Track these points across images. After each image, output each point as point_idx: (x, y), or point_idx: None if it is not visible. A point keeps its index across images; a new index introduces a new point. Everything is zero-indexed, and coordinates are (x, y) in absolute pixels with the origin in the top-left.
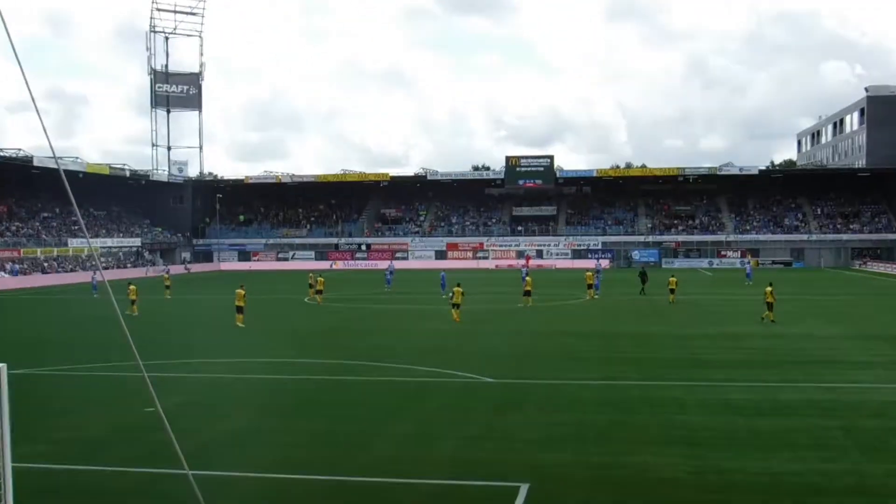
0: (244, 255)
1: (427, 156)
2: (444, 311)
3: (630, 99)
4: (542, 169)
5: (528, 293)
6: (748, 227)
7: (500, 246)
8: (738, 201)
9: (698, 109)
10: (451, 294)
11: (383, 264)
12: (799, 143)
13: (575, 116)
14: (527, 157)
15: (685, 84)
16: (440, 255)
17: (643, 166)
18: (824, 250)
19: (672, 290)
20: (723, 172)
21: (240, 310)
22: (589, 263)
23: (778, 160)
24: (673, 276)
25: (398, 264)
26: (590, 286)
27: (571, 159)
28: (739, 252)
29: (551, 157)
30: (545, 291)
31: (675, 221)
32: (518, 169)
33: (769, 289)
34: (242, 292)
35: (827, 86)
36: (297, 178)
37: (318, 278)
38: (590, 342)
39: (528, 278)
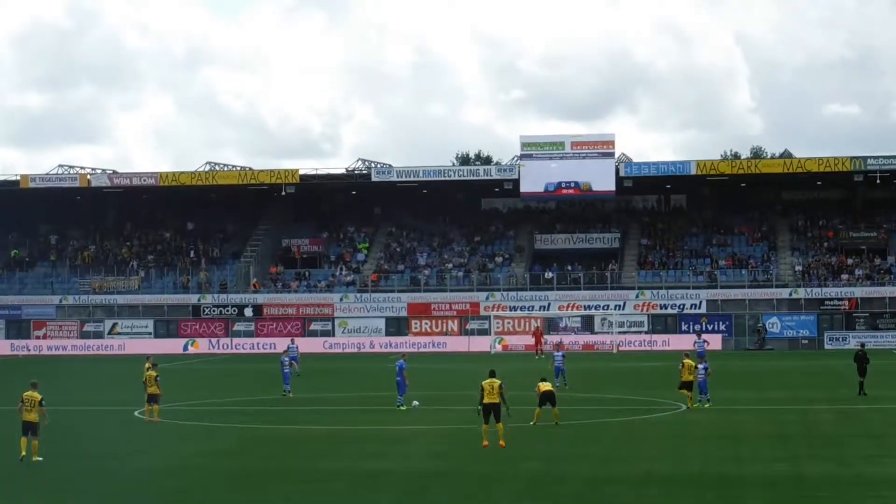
0: (18, 327)
1: (371, 138)
2: (403, 435)
3: (759, 30)
4: (591, 160)
5: (550, 398)
6: None
7: (512, 308)
8: None
9: (891, 47)
10: (479, 393)
11: (285, 343)
12: None
13: (654, 63)
14: (562, 139)
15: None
16: (396, 325)
17: (785, 155)
18: None
19: None
20: None
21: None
22: (685, 341)
23: None
24: None
25: (306, 344)
26: (687, 385)
27: (647, 143)
28: None
29: (610, 139)
30: (599, 396)
31: (850, 261)
32: (545, 161)
33: None
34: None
35: None
36: (122, 180)
37: (149, 371)
38: (688, 496)
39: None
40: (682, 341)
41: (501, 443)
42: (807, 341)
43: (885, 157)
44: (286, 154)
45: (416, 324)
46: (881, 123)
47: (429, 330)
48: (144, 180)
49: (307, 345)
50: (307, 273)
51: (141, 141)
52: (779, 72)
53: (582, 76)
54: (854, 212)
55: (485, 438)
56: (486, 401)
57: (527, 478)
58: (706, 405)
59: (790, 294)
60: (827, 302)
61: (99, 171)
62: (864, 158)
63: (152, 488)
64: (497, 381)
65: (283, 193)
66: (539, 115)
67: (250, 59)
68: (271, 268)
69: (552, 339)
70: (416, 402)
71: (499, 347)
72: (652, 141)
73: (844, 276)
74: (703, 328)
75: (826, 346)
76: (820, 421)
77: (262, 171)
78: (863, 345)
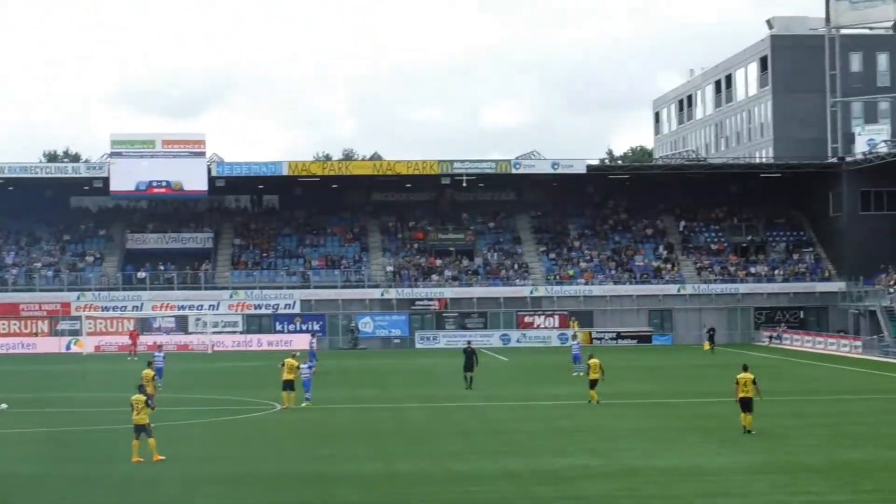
0: None
1: None
2: None
3: (356, 35)
4: (182, 159)
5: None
6: (571, 272)
7: (105, 308)
8: (551, 224)
9: (481, 55)
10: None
11: None
12: (657, 117)
13: (251, 64)
14: (153, 138)
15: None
16: None
17: (375, 158)
18: (708, 312)
19: (593, 384)
20: (521, 171)
21: None
22: (280, 340)
23: (621, 148)
24: (593, 358)
25: None
26: (288, 384)
27: (243, 144)
28: (557, 318)
29: (201, 139)
30: (193, 396)
31: (439, 262)
32: (136, 160)
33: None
34: None
35: (705, 20)
36: None
37: None
38: (286, 494)
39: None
40: (276, 341)
41: (158, 457)
42: (399, 340)
43: (471, 161)
44: None
45: (3, 325)
46: (469, 128)
47: (17, 331)
48: None
49: None
50: None
51: None
52: (372, 75)
53: (179, 74)
54: (442, 214)
55: (135, 454)
56: (135, 420)
57: (119, 480)
58: (304, 404)
59: (382, 294)
60: (418, 302)
61: None
62: (451, 162)
63: None
64: (143, 398)
65: None
66: (135, 112)
67: None
68: None
69: (148, 339)
70: (4, 405)
71: (76, 348)
72: (248, 141)
73: (434, 277)
74: (298, 328)
75: (417, 346)
76: (412, 419)
77: None
78: (469, 342)
